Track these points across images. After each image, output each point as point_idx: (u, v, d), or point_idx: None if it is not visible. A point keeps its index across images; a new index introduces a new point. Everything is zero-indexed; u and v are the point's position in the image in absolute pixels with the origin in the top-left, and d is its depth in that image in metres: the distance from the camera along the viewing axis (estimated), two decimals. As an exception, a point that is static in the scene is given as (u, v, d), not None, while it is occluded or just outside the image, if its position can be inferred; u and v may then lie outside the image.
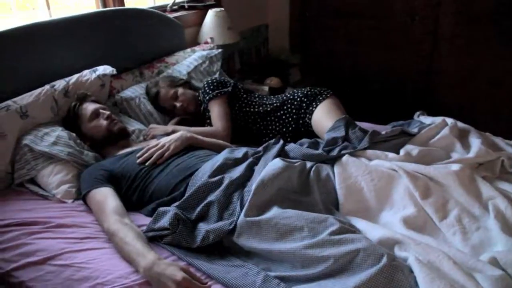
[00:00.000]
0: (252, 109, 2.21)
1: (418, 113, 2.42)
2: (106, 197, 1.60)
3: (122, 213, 1.54)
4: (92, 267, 1.38)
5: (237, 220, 1.41)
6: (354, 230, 1.36)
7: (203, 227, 1.45)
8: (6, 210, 1.63)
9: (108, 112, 1.95)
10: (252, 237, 1.37)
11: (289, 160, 1.65)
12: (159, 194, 1.66)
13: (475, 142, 1.93)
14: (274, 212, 1.40)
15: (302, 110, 2.13)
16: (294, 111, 2.15)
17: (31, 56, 1.93)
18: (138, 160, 1.75)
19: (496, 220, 1.44)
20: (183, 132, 1.87)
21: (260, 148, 1.77)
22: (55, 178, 1.74)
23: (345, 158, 1.69)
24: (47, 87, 1.89)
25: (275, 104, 2.20)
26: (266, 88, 3.03)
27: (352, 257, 1.22)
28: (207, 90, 2.18)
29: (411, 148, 1.81)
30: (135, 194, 1.69)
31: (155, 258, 1.30)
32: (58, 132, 1.82)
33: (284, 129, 2.17)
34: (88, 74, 2.04)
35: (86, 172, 1.74)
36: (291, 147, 1.77)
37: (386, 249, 1.32)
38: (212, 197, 1.51)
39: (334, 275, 1.24)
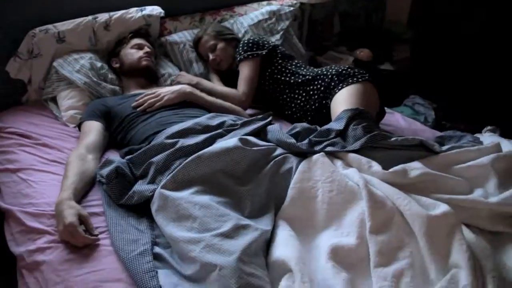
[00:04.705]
0: (283, 78, 2.04)
1: (488, 127, 1.94)
2: (90, 131, 1.72)
3: (93, 149, 1.64)
4: (37, 188, 1.54)
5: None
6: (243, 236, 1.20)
7: (135, 187, 1.45)
8: (20, 120, 1.89)
9: (150, 50, 2.05)
10: (158, 210, 1.34)
11: (254, 141, 1.51)
12: (134, 141, 1.71)
13: (522, 183, 1.48)
14: (187, 192, 1.34)
15: (328, 90, 1.89)
16: (322, 88, 1.92)
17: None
18: (133, 104, 1.81)
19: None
20: (183, 85, 1.85)
21: (239, 121, 1.65)
22: (67, 102, 1.93)
23: (316, 156, 1.47)
24: (89, 17, 2.04)
25: (307, 77, 1.99)
26: (350, 59, 2.74)
27: (210, 270, 1.11)
28: (240, 50, 2.07)
29: (413, 168, 1.47)
30: (119, 135, 1.77)
31: (66, 197, 1.37)
32: (84, 61, 1.98)
33: (307, 106, 1.96)
34: (134, 12, 2.12)
35: (91, 103, 1.88)
36: (272, 128, 1.61)
37: (279, 271, 1.17)
38: (156, 158, 1.49)
39: (198, 281, 1.16)
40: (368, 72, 1.90)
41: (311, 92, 1.95)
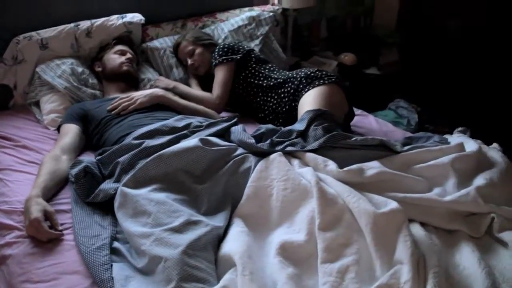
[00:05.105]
0: (256, 81, 2.10)
1: (459, 129, 1.96)
2: (67, 133, 1.80)
3: (68, 150, 1.72)
4: (12, 187, 1.62)
5: (121, 186, 1.45)
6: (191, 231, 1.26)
7: (101, 185, 1.52)
8: (4, 123, 1.99)
9: (131, 56, 2.13)
10: (119, 207, 1.40)
11: (215, 142, 1.57)
12: (107, 143, 1.78)
13: (476, 182, 1.51)
14: (145, 190, 1.40)
15: (297, 93, 1.95)
16: (291, 91, 1.98)
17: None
18: (108, 107, 1.88)
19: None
20: (156, 89, 1.93)
21: (205, 123, 1.71)
22: (49, 106, 2.02)
23: (274, 156, 1.53)
24: (71, 25, 2.13)
25: (278, 80, 2.05)
26: (334, 63, 2.78)
27: (157, 263, 1.18)
28: (215, 55, 2.14)
29: (370, 167, 1.51)
30: (96, 137, 1.85)
31: (35, 194, 1.45)
32: (65, 66, 2.07)
33: (279, 108, 2.02)
34: (115, 19, 2.20)
35: (70, 107, 1.97)
36: (235, 129, 1.67)
37: (226, 266, 1.22)
38: (122, 158, 1.56)
39: (148, 274, 1.22)
40: (336, 75, 1.96)
41: (282, 95, 2.01)
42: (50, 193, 1.54)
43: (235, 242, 1.28)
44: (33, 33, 2.06)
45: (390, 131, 2.06)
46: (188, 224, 1.28)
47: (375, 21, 3.27)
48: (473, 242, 1.35)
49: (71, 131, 1.81)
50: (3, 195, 1.58)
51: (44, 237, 1.36)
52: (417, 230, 1.35)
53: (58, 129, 1.88)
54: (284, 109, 1.99)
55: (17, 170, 1.70)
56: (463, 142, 1.71)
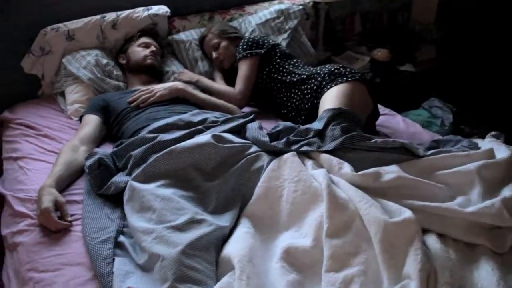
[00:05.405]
0: (280, 77, 2.04)
1: (492, 133, 1.83)
2: (88, 123, 1.82)
3: (86, 141, 1.73)
4: (30, 175, 1.65)
5: (132, 180, 1.44)
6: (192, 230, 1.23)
7: (114, 178, 1.52)
8: (29, 112, 2.04)
9: (155, 49, 2.13)
10: (127, 201, 1.40)
11: (228, 138, 1.53)
12: (125, 135, 1.79)
13: (504, 193, 1.40)
14: (153, 185, 1.39)
15: (319, 90, 1.87)
16: (314, 88, 1.90)
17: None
18: (128, 99, 1.88)
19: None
20: (176, 82, 1.91)
21: (221, 118, 1.68)
22: (73, 96, 2.05)
23: (287, 155, 1.47)
24: (97, 16, 2.15)
25: (302, 76, 1.98)
26: (367, 59, 2.68)
27: (156, 261, 1.16)
28: (240, 49, 2.09)
29: (388, 171, 1.43)
30: (115, 129, 1.86)
31: (48, 184, 1.47)
32: (90, 58, 2.09)
33: (302, 105, 1.95)
34: (140, 12, 2.20)
35: (93, 98, 1.98)
36: (251, 126, 1.63)
37: (226, 268, 1.19)
38: (135, 151, 1.55)
39: (147, 271, 1.21)
40: (360, 72, 1.87)
41: (305, 91, 1.95)
42: (65, 183, 1.55)
43: (237, 244, 1.24)
44: (60, 25, 2.09)
45: (418, 132, 1.95)
46: (191, 223, 1.25)
47: (413, 16, 3.13)
48: (495, 259, 1.22)
49: (92, 122, 1.82)
50: (21, 183, 1.62)
51: (53, 227, 1.38)
52: (432, 242, 1.26)
53: (80, 119, 1.90)
54: (306, 106, 1.93)
55: (36, 159, 1.73)
56: (494, 148, 1.59)
